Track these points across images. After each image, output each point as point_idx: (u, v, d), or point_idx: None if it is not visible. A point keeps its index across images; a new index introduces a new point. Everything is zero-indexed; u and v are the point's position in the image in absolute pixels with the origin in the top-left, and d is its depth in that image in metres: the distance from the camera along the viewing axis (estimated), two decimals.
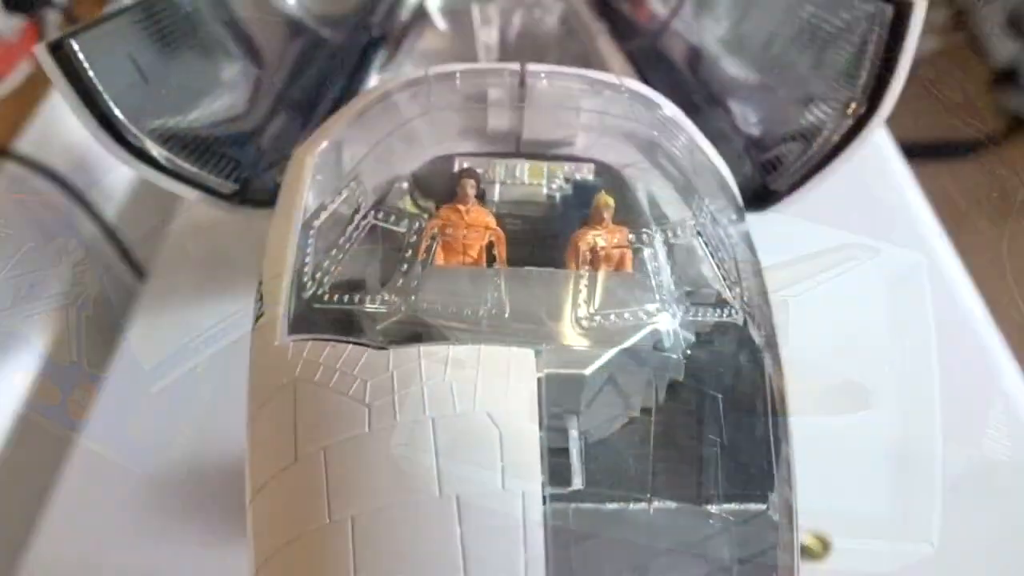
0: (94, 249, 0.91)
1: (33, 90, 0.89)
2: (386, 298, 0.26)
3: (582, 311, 0.27)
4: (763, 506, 0.26)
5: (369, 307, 0.26)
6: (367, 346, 0.25)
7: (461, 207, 0.29)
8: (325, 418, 0.23)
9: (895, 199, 0.86)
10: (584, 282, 0.27)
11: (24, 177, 0.84)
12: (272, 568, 0.22)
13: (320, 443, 0.23)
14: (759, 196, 0.41)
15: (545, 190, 0.32)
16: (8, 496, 0.74)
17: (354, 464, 0.22)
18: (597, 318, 0.27)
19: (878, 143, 0.92)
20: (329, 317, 0.27)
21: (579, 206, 0.31)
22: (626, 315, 0.27)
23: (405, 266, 0.27)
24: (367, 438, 0.23)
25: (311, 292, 0.27)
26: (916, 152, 0.97)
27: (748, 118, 0.41)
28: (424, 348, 0.24)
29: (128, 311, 0.83)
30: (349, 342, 0.25)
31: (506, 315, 0.26)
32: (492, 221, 0.29)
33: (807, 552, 0.64)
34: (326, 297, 0.27)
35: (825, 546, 0.64)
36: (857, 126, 0.38)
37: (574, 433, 0.25)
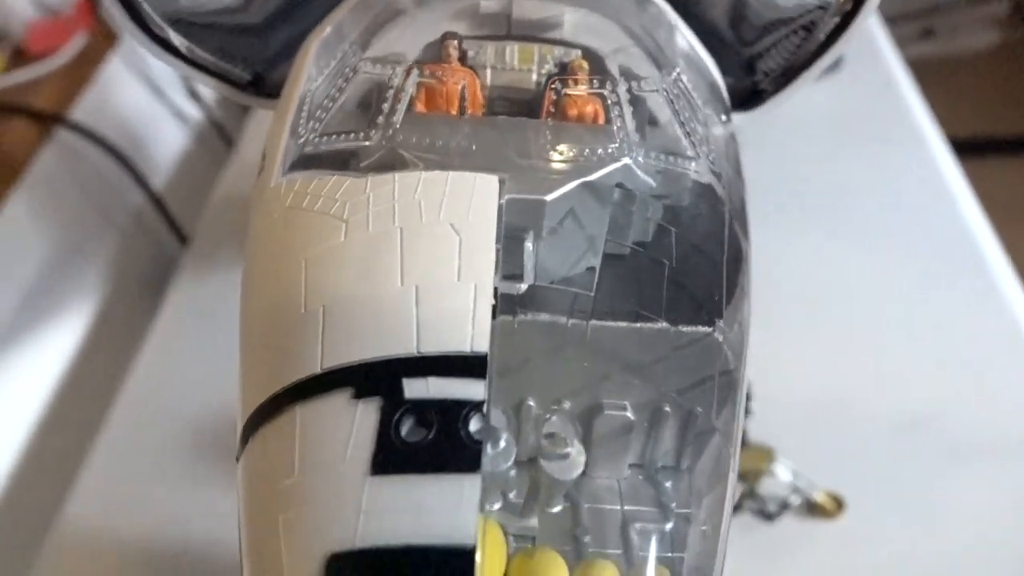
0: (141, 215, 0.95)
1: (88, 61, 0.93)
2: (370, 136, 0.29)
3: (548, 151, 0.29)
4: (709, 328, 0.27)
5: (352, 144, 0.29)
6: (350, 176, 0.28)
7: (445, 65, 0.31)
8: (308, 234, 0.27)
9: (943, 195, 0.86)
10: (552, 128, 0.29)
11: (77, 145, 0.88)
12: (254, 350, 0.26)
13: (302, 255, 0.26)
14: (746, 97, 0.41)
15: (535, 76, 0.33)
16: (59, 441, 0.78)
17: (329, 268, 0.25)
18: (562, 155, 0.29)
19: (927, 140, 0.92)
20: (321, 160, 0.29)
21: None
22: (592, 156, 0.29)
23: (386, 106, 0.29)
24: (342, 246, 0.26)
25: (304, 139, 0.30)
26: (970, 148, 0.97)
27: (736, 13, 0.41)
28: (399, 174, 0.27)
29: (171, 275, 0.87)
30: (334, 174, 0.28)
31: (474, 148, 0.28)
32: (477, 82, 0.31)
33: (821, 510, 0.65)
34: (316, 140, 0.30)
35: (839, 505, 0.65)
36: (844, 22, 0.38)
37: (529, 245, 0.27)
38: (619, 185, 0.29)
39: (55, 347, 0.84)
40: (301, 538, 0.21)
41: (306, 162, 0.30)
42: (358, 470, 0.22)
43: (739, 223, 0.32)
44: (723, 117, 0.37)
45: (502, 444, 0.23)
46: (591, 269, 0.29)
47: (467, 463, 0.21)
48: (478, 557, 0.20)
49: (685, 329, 0.27)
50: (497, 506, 0.26)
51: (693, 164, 0.31)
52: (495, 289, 0.25)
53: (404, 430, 0.22)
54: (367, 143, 0.29)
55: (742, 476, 0.64)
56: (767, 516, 0.65)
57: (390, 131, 0.29)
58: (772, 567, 0.62)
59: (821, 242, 0.82)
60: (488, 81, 0.34)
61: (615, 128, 0.29)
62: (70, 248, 0.87)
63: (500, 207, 0.26)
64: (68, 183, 0.88)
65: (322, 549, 0.21)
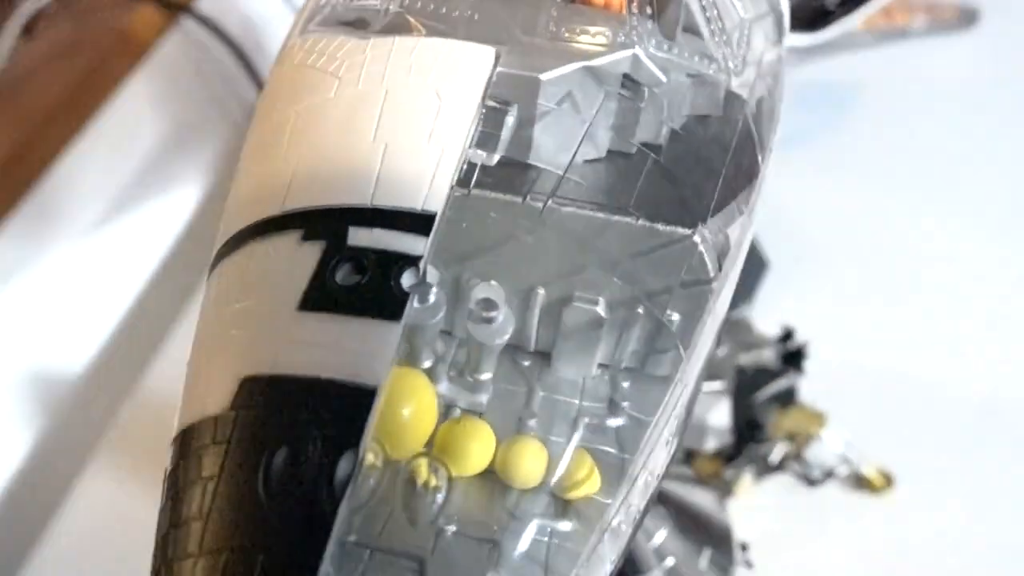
0: (252, 111, 0.98)
1: None
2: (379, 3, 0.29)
3: (554, 29, 0.28)
4: (688, 231, 0.26)
5: (368, 7, 0.29)
6: (356, 36, 0.28)
7: None
8: (303, 88, 0.27)
9: None
10: (562, 7, 0.28)
11: (201, 35, 0.92)
12: (238, 191, 0.27)
13: (294, 108, 0.27)
14: (811, 17, 0.39)
15: None
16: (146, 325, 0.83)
17: (313, 120, 0.26)
18: (567, 35, 0.28)
19: None
20: (338, 22, 0.29)
21: None
22: (599, 40, 0.28)
23: None
24: (330, 102, 0.26)
25: (326, 1, 0.30)
26: None
27: None
28: (399, 38, 0.27)
29: None
30: (342, 35, 0.28)
31: (477, 19, 0.28)
32: None
33: (869, 485, 0.63)
34: (335, 3, 0.30)
35: (889, 481, 0.63)
36: None
37: (511, 119, 0.26)
38: (626, 76, 0.28)
39: (160, 226, 0.89)
40: (226, 359, 0.22)
41: (324, 22, 0.30)
42: (290, 304, 0.22)
43: (758, 140, 0.31)
44: (776, 34, 0.36)
45: (431, 300, 0.23)
46: (590, 161, 0.28)
47: (389, 311, 0.22)
48: (379, 399, 0.21)
49: (662, 227, 0.27)
50: (443, 386, 0.26)
51: (713, 67, 0.30)
52: (467, 161, 0.25)
53: (339, 274, 0.22)
54: (378, 6, 0.29)
55: (790, 437, 0.63)
56: (810, 481, 0.63)
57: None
58: (802, 531, 0.60)
59: (934, 212, 0.78)
60: None
61: (629, 16, 0.29)
62: (184, 132, 0.91)
63: (490, 79, 0.26)
64: (188, 71, 0.92)
65: (241, 371, 0.22)
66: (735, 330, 0.62)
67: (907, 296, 0.72)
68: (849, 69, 0.85)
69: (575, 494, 0.24)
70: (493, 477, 0.24)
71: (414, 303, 0.22)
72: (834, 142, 0.83)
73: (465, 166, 0.25)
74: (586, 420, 0.26)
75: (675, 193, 0.28)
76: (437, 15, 0.28)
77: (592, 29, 0.28)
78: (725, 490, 0.61)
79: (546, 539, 0.24)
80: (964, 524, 0.60)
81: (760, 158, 0.30)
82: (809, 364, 0.63)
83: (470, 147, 0.25)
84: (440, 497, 0.23)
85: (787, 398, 0.61)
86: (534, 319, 0.27)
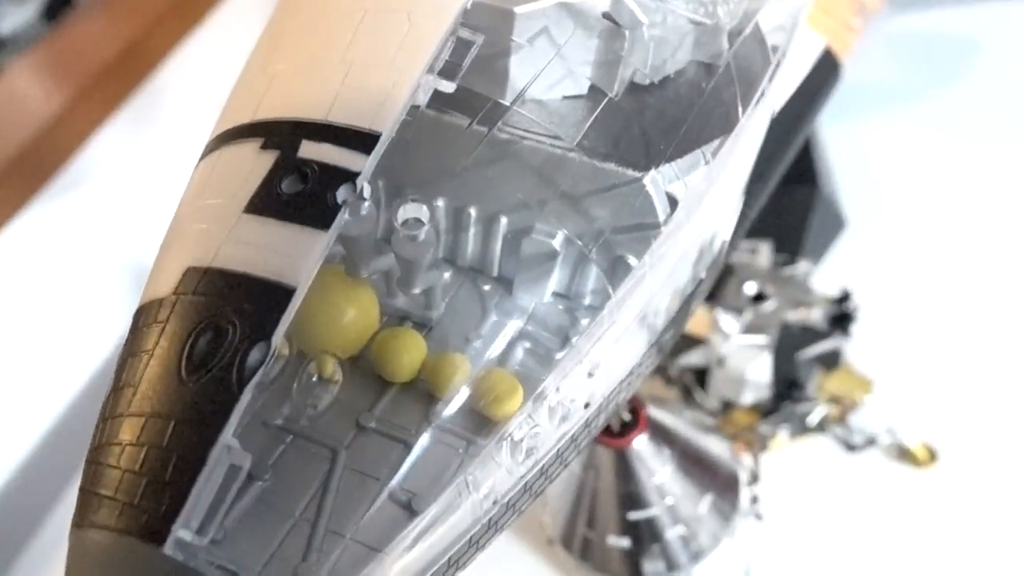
0: None
1: None
2: None
3: None
4: (639, 174, 0.27)
5: None
6: None
7: None
8: (300, 4, 0.29)
9: None
10: None
11: None
12: (231, 98, 0.29)
13: (288, 23, 0.29)
14: None
15: None
16: None
17: (298, 36, 0.28)
18: None
19: None
20: None
21: None
22: None
23: None
24: (316, 18, 0.28)
25: None
26: None
27: None
28: None
29: None
30: None
31: None
32: None
33: (911, 458, 0.62)
34: None
35: (932, 456, 0.61)
36: None
37: (474, 51, 0.27)
38: (606, 16, 0.28)
39: None
40: (179, 249, 0.25)
41: None
42: (238, 206, 0.24)
43: (739, 92, 0.30)
44: None
45: (362, 213, 0.24)
46: (568, 98, 0.29)
47: (320, 220, 0.24)
48: (297, 299, 0.23)
49: (613, 167, 0.27)
50: (400, 300, 0.27)
51: (701, 12, 0.30)
52: (426, 88, 0.26)
53: (285, 182, 0.24)
54: None
55: (833, 400, 0.62)
56: (850, 446, 0.62)
57: None
58: (831, 494, 0.60)
59: None
60: None
61: None
62: None
63: (464, 9, 0.27)
64: None
65: (186, 261, 0.24)
66: (786, 285, 0.61)
67: (984, 273, 0.69)
68: (965, 23, 0.80)
69: (495, 411, 0.26)
70: (421, 388, 0.26)
71: (345, 215, 0.24)
72: (940, 101, 0.79)
73: (425, 92, 0.26)
74: (525, 345, 0.27)
75: (639, 135, 0.28)
76: None
77: None
78: (759, 445, 0.61)
79: (459, 449, 0.25)
80: (1005, 511, 0.58)
81: (740, 110, 0.30)
82: (865, 329, 0.62)
83: (432, 74, 0.26)
84: (335, 389, 0.25)
85: (831, 360, 0.60)
86: (496, 245, 0.28)
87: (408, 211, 0.25)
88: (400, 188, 0.27)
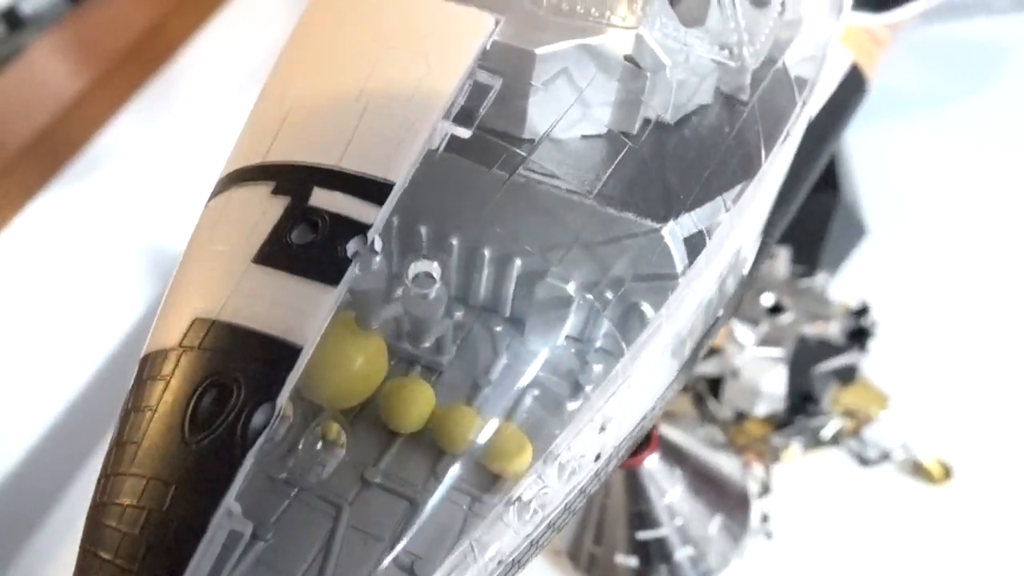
0: None
1: None
2: None
3: (561, 2, 0.27)
4: (658, 225, 0.27)
5: None
6: None
7: None
8: (321, 29, 0.29)
9: None
10: None
11: None
12: (247, 129, 0.28)
13: (306, 53, 0.29)
14: None
15: None
16: None
17: (318, 66, 0.28)
18: (573, 8, 0.27)
19: None
20: None
21: None
22: (602, 17, 0.27)
23: None
24: (336, 49, 0.28)
25: None
26: None
27: None
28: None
29: None
30: None
31: None
32: None
33: (926, 474, 0.61)
34: None
35: (947, 473, 0.60)
36: None
37: (493, 95, 0.26)
38: (628, 58, 0.28)
39: None
40: (187, 297, 0.24)
41: None
42: (247, 255, 0.24)
43: (763, 136, 0.30)
44: (834, 11, 0.34)
45: (373, 267, 0.24)
46: (587, 137, 0.28)
47: (329, 273, 0.23)
48: (304, 357, 0.22)
49: (629, 217, 0.27)
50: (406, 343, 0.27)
51: (725, 54, 0.29)
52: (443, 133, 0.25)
53: (296, 232, 0.24)
54: None
55: (848, 413, 0.61)
56: (863, 461, 0.61)
57: None
58: (843, 509, 0.59)
59: None
60: None
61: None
62: None
63: (483, 49, 0.26)
64: None
65: (194, 311, 0.24)
66: (804, 297, 0.60)
67: (1005, 289, 0.68)
68: (992, 30, 0.78)
69: (504, 468, 0.25)
70: (428, 438, 0.26)
71: (355, 269, 0.23)
72: (967, 107, 0.77)
73: (440, 137, 0.26)
74: (535, 393, 0.27)
75: (658, 181, 0.27)
76: None
77: (600, 3, 0.28)
78: (771, 456, 0.60)
79: (464, 506, 0.25)
80: (1020, 530, 0.58)
81: (764, 154, 0.29)
82: (882, 343, 0.61)
83: (448, 120, 0.26)
84: (341, 453, 0.24)
85: (847, 375, 0.59)
86: (510, 287, 0.28)
87: (419, 267, 0.24)
88: (414, 227, 0.27)
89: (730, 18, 0.29)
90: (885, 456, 0.61)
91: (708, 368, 0.61)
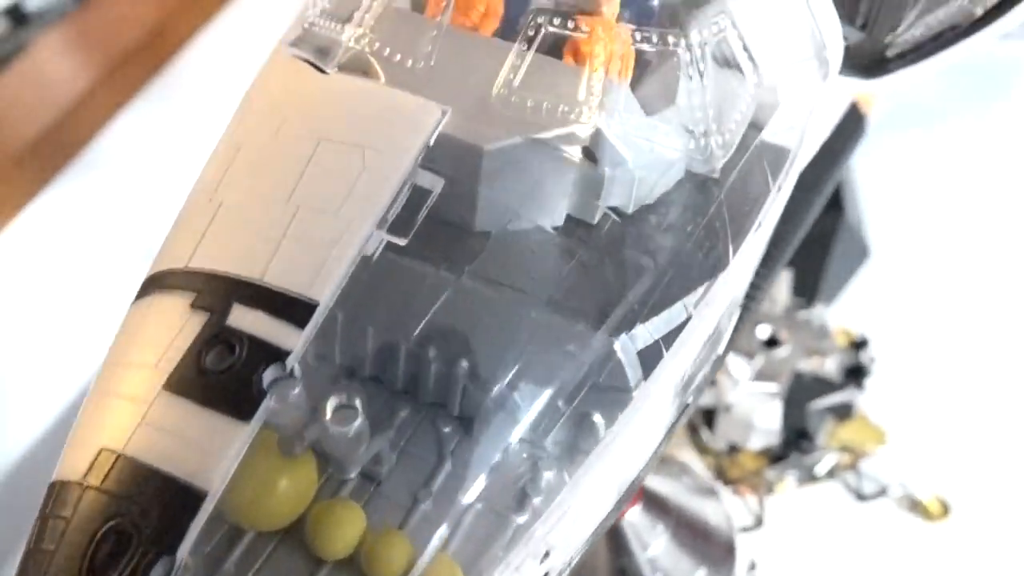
0: None
1: None
2: (344, 31, 0.27)
3: (515, 87, 0.26)
4: (610, 339, 0.25)
5: (334, 34, 0.27)
6: (320, 69, 0.27)
7: None
8: (255, 120, 0.27)
9: None
10: (533, 63, 0.26)
11: None
12: (177, 223, 0.26)
13: (240, 141, 0.27)
14: (866, 62, 0.34)
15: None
16: None
17: (252, 159, 0.26)
18: (526, 98, 0.26)
19: None
20: (313, 40, 0.28)
21: None
22: (563, 110, 0.25)
23: (359, 12, 0.27)
24: (272, 141, 0.26)
25: (312, 11, 0.29)
26: None
27: None
28: (350, 81, 0.26)
29: None
30: (309, 62, 0.27)
31: (435, 68, 0.26)
32: None
33: (923, 510, 0.59)
34: (317, 19, 0.29)
35: (945, 509, 0.59)
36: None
37: (432, 200, 0.25)
38: (585, 151, 0.26)
39: None
40: (98, 421, 0.23)
41: (301, 39, 0.29)
42: (159, 379, 0.22)
43: (730, 233, 0.27)
44: (820, 77, 0.31)
45: (291, 398, 0.22)
46: (540, 228, 0.27)
47: (242, 409, 0.21)
48: (208, 502, 0.21)
49: (580, 328, 0.25)
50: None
51: (693, 145, 0.27)
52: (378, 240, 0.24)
53: (211, 355, 0.22)
54: (342, 36, 0.27)
55: (846, 448, 0.59)
56: (860, 496, 0.60)
57: (361, 30, 0.27)
58: (837, 544, 0.58)
59: None
60: None
61: (604, 81, 0.26)
62: None
63: (427, 145, 0.25)
64: None
65: (102, 439, 0.22)
66: (801, 331, 0.58)
67: (1009, 323, 0.65)
68: (1004, 51, 0.75)
69: None
70: (358, 564, 0.24)
71: (271, 401, 0.22)
72: (986, 125, 0.74)
73: (376, 244, 0.24)
74: (477, 508, 0.25)
75: (616, 285, 0.26)
76: (393, 60, 0.26)
77: (555, 93, 0.26)
78: (765, 488, 0.59)
79: None
80: (1018, 570, 0.56)
81: (731, 251, 0.27)
82: (881, 376, 0.59)
83: (383, 229, 0.24)
84: None
85: (843, 411, 0.57)
86: (457, 388, 0.26)
87: (338, 401, 0.22)
88: (359, 323, 0.25)
89: (697, 106, 0.27)
90: (882, 492, 0.59)
91: (702, 399, 0.59)
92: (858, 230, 0.67)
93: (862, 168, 0.68)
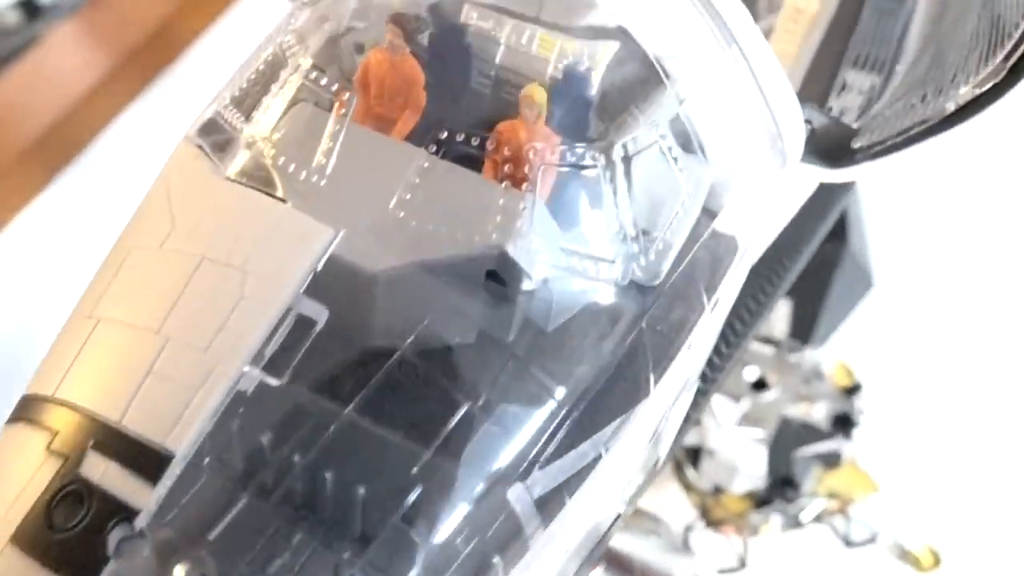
0: None
1: None
2: (242, 129, 0.26)
3: (414, 203, 0.24)
4: (501, 491, 0.23)
5: (235, 129, 0.26)
6: (215, 173, 0.26)
7: (392, 55, 0.26)
8: (152, 220, 0.26)
9: None
10: (435, 175, 0.24)
11: None
12: (60, 336, 0.25)
13: (136, 241, 0.26)
14: (833, 150, 0.31)
15: (551, 69, 0.27)
16: None
17: (135, 271, 0.24)
18: (425, 214, 0.24)
19: None
20: (217, 131, 0.27)
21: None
22: (466, 235, 0.24)
23: (267, 99, 0.26)
24: (156, 252, 0.24)
25: (221, 99, 0.28)
26: None
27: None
28: (242, 193, 0.25)
29: None
30: (211, 158, 0.26)
31: (329, 180, 0.24)
32: (421, 79, 0.26)
33: (914, 561, 0.57)
34: (226, 107, 0.28)
35: (936, 560, 0.56)
36: (986, 96, 0.28)
37: (313, 334, 0.23)
38: (491, 274, 0.24)
39: None
40: None
41: (209, 128, 0.27)
42: (8, 529, 0.21)
43: (652, 361, 0.25)
44: (778, 162, 0.29)
45: (138, 559, 0.21)
46: (442, 347, 0.25)
47: (88, 571, 0.20)
48: None
49: (470, 478, 0.23)
50: None
51: (606, 270, 0.25)
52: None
53: (60, 508, 0.21)
54: (240, 134, 0.26)
55: (834, 495, 0.57)
56: (848, 542, 0.58)
57: (259, 131, 0.25)
58: None
59: None
60: (497, 59, 0.28)
61: (505, 198, 0.24)
62: None
63: (312, 270, 0.23)
64: None
65: None
66: (790, 375, 0.56)
67: (1008, 366, 0.62)
68: None
69: None
70: None
71: (116, 563, 0.20)
72: (997, 150, 0.70)
73: (250, 383, 0.22)
74: None
75: (512, 426, 0.24)
76: (288, 170, 0.25)
77: (456, 212, 0.24)
78: (749, 530, 0.57)
79: None
80: None
81: (652, 381, 0.25)
82: (875, 422, 0.56)
83: (259, 365, 0.22)
84: None
85: (831, 460, 0.55)
86: (356, 511, 0.25)
87: (183, 572, 0.21)
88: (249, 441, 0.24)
89: (624, 214, 0.25)
90: (871, 539, 0.57)
91: (687, 438, 0.57)
92: (861, 259, 0.64)
93: (867, 196, 0.65)
